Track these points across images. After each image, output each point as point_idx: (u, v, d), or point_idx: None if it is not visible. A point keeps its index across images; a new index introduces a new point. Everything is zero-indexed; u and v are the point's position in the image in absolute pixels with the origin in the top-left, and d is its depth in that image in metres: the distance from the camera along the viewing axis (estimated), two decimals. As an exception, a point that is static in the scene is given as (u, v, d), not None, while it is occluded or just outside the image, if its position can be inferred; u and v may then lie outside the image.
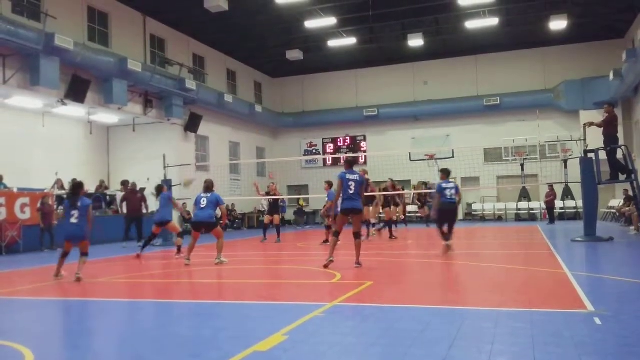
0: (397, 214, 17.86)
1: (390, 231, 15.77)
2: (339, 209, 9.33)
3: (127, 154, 22.91)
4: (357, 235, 9.24)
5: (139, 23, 21.74)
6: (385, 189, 16.31)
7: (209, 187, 10.73)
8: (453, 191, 10.90)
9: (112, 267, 11.23)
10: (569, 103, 25.80)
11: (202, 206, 10.42)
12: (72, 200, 8.87)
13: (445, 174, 11.24)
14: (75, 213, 8.71)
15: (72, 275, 8.64)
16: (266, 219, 16.76)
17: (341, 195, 9.12)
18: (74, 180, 10.64)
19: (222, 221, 11.64)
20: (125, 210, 16.47)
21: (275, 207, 16.47)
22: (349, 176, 9.09)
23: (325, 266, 8.95)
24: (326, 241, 13.83)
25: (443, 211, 10.93)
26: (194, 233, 10.77)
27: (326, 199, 14.31)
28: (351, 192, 9.03)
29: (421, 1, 21.98)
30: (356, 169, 9.84)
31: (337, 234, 9.32)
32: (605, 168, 13.57)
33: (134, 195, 16.53)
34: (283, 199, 26.47)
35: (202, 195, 10.57)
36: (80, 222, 8.71)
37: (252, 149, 29.84)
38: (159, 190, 12.82)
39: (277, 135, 32.37)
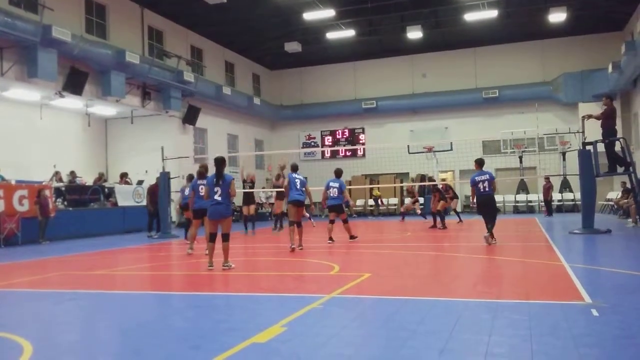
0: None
1: (442, 221, 16.29)
2: (288, 200, 11.28)
3: (125, 146, 22.86)
4: (298, 223, 11.21)
5: (137, 15, 21.61)
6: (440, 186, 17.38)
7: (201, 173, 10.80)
8: (487, 183, 10.85)
9: (113, 258, 11.24)
10: (568, 95, 25.78)
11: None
12: (216, 178, 8.52)
13: (479, 164, 11.30)
14: (219, 190, 8.47)
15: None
16: (247, 210, 16.40)
17: (289, 190, 11.16)
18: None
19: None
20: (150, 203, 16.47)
21: (250, 197, 16.21)
22: (294, 176, 11.47)
23: (292, 250, 10.72)
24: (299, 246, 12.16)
25: (479, 204, 11.04)
26: (197, 221, 11.19)
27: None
28: (296, 188, 11.21)
29: (420, -7, 21.94)
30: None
31: (292, 224, 11.13)
32: (604, 160, 13.58)
33: (158, 188, 16.52)
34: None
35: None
36: (224, 200, 8.49)
37: (250, 142, 29.77)
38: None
39: (275, 128, 32.31)
